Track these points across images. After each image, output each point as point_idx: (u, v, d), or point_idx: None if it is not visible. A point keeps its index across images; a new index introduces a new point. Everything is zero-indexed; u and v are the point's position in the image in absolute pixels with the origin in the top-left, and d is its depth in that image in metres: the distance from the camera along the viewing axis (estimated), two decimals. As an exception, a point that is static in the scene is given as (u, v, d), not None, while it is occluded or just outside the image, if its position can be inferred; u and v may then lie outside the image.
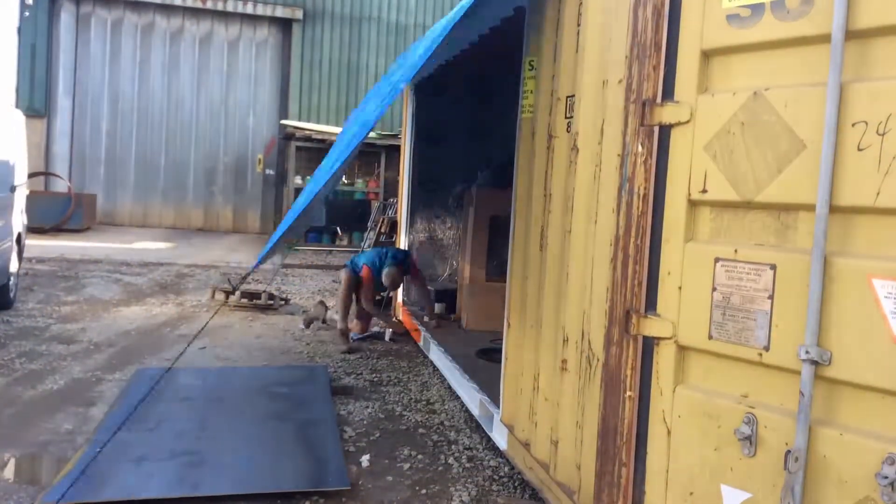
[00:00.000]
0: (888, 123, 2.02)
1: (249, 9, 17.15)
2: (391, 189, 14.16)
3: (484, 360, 5.60)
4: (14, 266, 7.94)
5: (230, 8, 17.08)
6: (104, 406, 5.08)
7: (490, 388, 4.66)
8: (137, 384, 5.50)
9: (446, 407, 5.53)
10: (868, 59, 2.11)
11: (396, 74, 4.93)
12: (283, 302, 9.20)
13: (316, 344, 7.28)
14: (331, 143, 15.62)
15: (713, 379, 2.50)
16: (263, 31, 17.64)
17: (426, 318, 7.10)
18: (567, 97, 3.48)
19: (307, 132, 15.86)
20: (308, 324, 7.84)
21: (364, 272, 7.20)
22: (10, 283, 7.78)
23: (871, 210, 2.07)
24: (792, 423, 2.19)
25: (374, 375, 6.25)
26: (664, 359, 2.62)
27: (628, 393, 2.75)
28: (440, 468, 4.38)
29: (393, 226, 9.38)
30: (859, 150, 2.08)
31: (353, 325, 7.42)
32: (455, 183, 8.04)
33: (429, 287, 7.65)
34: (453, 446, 4.73)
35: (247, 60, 17.58)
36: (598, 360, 2.99)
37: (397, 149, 8.78)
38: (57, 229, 14.35)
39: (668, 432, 2.60)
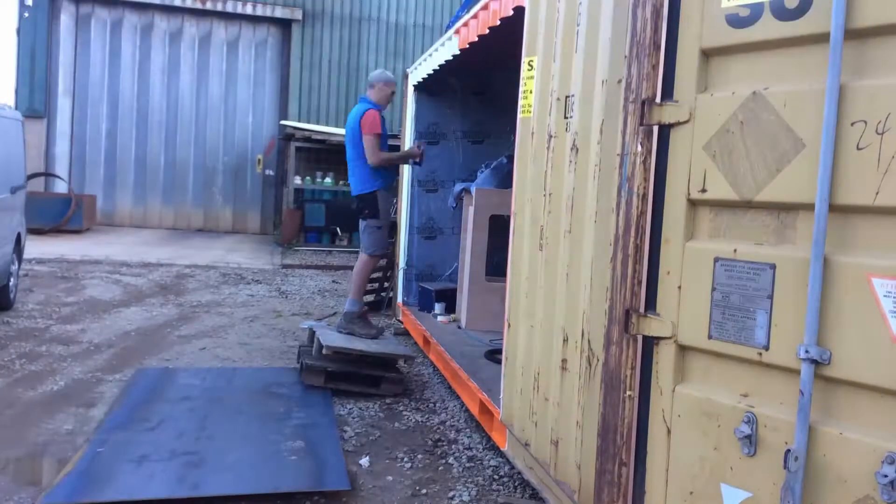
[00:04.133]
0: (887, 122, 2.02)
1: (249, 9, 17.13)
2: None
3: (491, 361, 5.54)
4: (14, 267, 7.94)
5: (230, 8, 17.06)
6: (104, 407, 5.08)
7: (490, 387, 4.66)
8: (138, 385, 5.50)
9: (446, 406, 5.54)
10: (867, 58, 2.11)
11: None
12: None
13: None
14: (330, 144, 15.64)
15: (713, 378, 2.50)
16: (263, 31, 17.63)
17: None
18: (566, 97, 3.48)
19: (307, 133, 15.84)
20: None
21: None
22: (10, 283, 7.78)
23: (871, 209, 2.07)
24: (792, 423, 2.19)
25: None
26: (664, 358, 2.62)
27: (628, 392, 2.75)
28: (440, 468, 4.38)
29: (393, 226, 9.36)
30: (858, 149, 2.08)
31: None
32: (455, 183, 8.05)
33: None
34: (453, 446, 4.74)
35: (246, 61, 17.57)
36: (597, 359, 2.99)
37: (397, 149, 8.78)
38: (57, 230, 14.35)
39: (668, 432, 2.60)
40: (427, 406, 5.53)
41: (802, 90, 2.22)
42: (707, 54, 2.51)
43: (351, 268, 12.56)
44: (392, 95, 6.33)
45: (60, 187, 16.23)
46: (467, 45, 5.80)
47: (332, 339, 5.71)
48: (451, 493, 4.03)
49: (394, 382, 5.64)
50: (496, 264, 6.45)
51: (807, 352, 2.15)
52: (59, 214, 14.52)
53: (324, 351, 5.48)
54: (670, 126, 2.60)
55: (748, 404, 2.36)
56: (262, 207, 17.76)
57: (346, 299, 6.49)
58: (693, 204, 2.54)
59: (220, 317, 8.30)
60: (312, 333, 6.07)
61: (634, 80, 2.74)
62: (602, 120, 3.06)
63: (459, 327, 6.89)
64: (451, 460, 4.50)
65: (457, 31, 6.31)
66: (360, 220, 6.22)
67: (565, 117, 3.48)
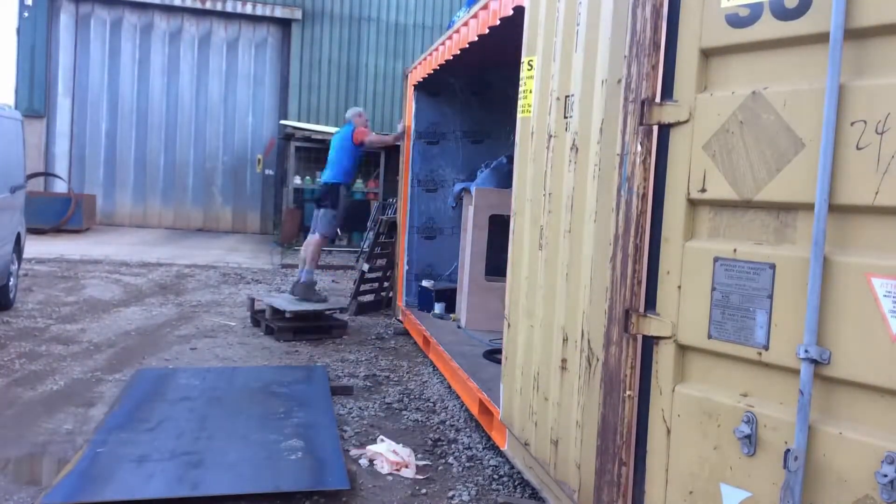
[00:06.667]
0: (887, 122, 2.02)
1: (249, 9, 17.14)
2: (391, 189, 14.15)
3: (491, 361, 5.55)
4: (14, 266, 7.94)
5: (230, 8, 17.07)
6: (104, 406, 5.08)
7: (490, 387, 4.66)
8: (137, 385, 5.50)
9: (446, 406, 5.54)
10: (867, 57, 2.11)
11: None
12: None
13: (315, 344, 7.28)
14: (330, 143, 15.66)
15: (713, 378, 2.50)
16: (263, 31, 17.63)
17: None
18: (566, 97, 3.48)
19: (306, 132, 15.85)
20: None
21: None
22: (10, 283, 7.78)
23: (870, 209, 2.07)
24: (791, 422, 2.19)
25: (373, 375, 6.25)
26: (664, 358, 2.62)
27: (628, 392, 2.75)
28: (440, 467, 4.38)
29: (392, 226, 9.37)
30: (858, 148, 2.08)
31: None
32: (455, 183, 8.06)
33: None
34: (453, 445, 4.74)
35: (246, 61, 17.57)
36: (597, 359, 2.99)
37: (397, 149, 8.79)
38: (56, 230, 14.35)
39: (668, 431, 2.60)
40: (427, 406, 5.54)
41: (802, 90, 2.22)
42: (707, 54, 2.51)
43: (352, 267, 12.62)
44: (367, 120, 8.45)
45: (60, 187, 16.23)
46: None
47: (291, 305, 7.60)
48: (450, 493, 4.03)
49: (340, 327, 7.83)
50: (496, 264, 6.45)
51: (806, 351, 2.15)
52: (58, 214, 14.52)
53: (287, 315, 7.40)
54: (670, 126, 2.60)
55: (748, 404, 2.36)
56: (262, 207, 17.77)
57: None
58: (693, 204, 2.54)
59: (220, 316, 8.30)
60: (252, 303, 8.08)
61: (634, 80, 2.74)
62: (602, 120, 3.06)
63: (459, 327, 6.90)
64: (450, 460, 4.50)
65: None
66: (320, 208, 8.08)
67: (565, 117, 3.48)
